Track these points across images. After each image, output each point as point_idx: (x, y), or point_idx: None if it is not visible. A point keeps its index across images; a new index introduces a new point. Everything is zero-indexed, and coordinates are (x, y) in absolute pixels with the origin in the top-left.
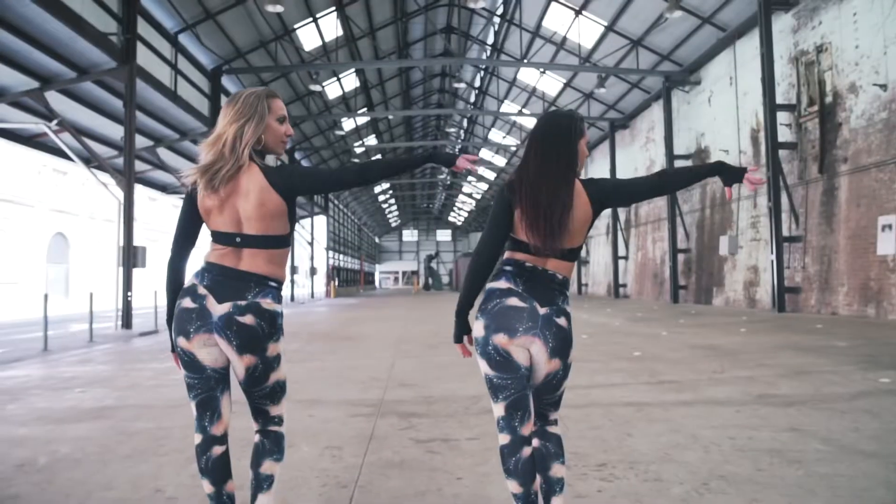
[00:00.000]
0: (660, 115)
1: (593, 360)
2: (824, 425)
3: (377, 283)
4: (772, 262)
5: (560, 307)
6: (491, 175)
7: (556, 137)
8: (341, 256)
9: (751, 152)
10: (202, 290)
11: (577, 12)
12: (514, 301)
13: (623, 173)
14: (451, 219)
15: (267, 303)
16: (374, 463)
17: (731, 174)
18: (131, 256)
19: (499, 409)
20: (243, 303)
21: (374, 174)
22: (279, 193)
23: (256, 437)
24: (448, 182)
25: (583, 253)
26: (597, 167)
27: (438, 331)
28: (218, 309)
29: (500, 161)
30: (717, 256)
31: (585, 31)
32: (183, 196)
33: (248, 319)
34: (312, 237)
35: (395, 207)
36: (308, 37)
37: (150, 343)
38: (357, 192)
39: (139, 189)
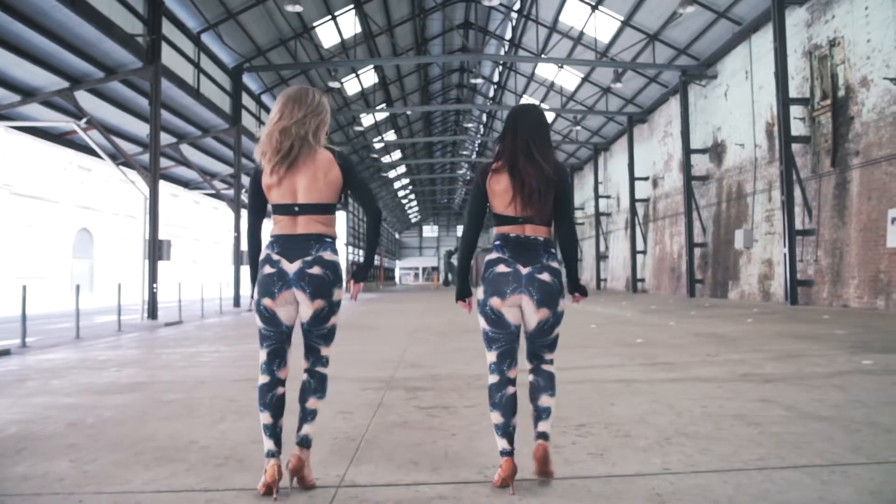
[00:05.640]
0: (677, 109)
1: (595, 346)
2: (792, 397)
3: (397, 279)
4: (785, 255)
5: (544, 264)
6: None
7: (540, 122)
8: (361, 252)
9: (766, 146)
10: (276, 257)
11: (594, 7)
12: (501, 268)
13: (641, 167)
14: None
15: (328, 255)
16: (380, 424)
17: (577, 288)
18: (156, 249)
19: (491, 357)
20: (309, 258)
21: (377, 227)
22: (342, 172)
23: (304, 377)
24: (468, 177)
25: (602, 247)
26: (616, 161)
27: (455, 321)
28: (291, 267)
29: None
30: (733, 250)
31: (602, 26)
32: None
33: (316, 270)
34: None
35: (414, 203)
36: (327, 34)
37: (176, 332)
38: (377, 188)
39: (162, 185)
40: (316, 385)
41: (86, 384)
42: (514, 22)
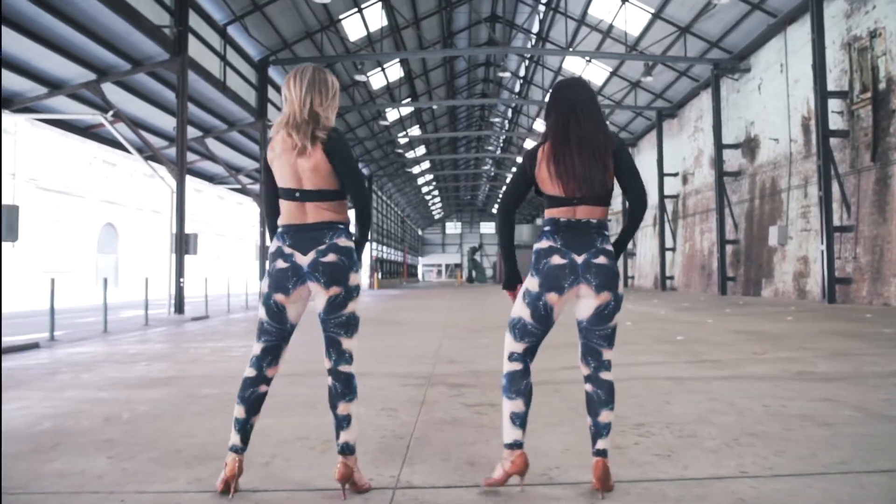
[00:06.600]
0: (708, 103)
1: (636, 342)
2: (858, 397)
3: (420, 276)
4: (822, 252)
5: (599, 248)
6: None
7: (585, 93)
8: (384, 248)
9: (801, 140)
10: (288, 250)
11: (624, 0)
12: (556, 259)
13: (670, 163)
14: (495, 210)
15: (342, 241)
16: (427, 421)
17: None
18: (183, 243)
19: (517, 347)
20: (323, 246)
21: (368, 218)
22: (328, 158)
23: (329, 381)
24: (493, 173)
25: (629, 245)
26: (644, 157)
27: (483, 317)
28: (305, 260)
29: None
30: (767, 247)
31: (632, 19)
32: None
33: (330, 258)
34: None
35: (438, 199)
36: (353, 27)
37: (203, 327)
38: (400, 184)
39: (187, 180)
40: (342, 388)
41: (117, 378)
42: (541, 15)
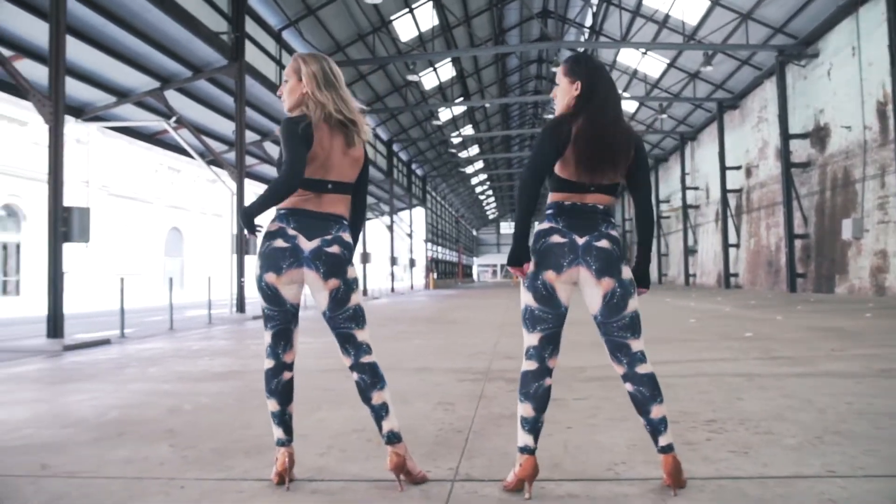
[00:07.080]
0: (773, 92)
1: (700, 339)
2: None
3: (475, 276)
4: None
5: (602, 232)
6: None
7: (612, 79)
8: (439, 248)
9: (877, 127)
10: (292, 232)
11: None
12: (555, 238)
13: (733, 156)
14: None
15: (346, 235)
16: (486, 416)
17: (642, 279)
18: (243, 245)
19: (532, 340)
20: (329, 237)
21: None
22: (365, 157)
23: (354, 376)
24: None
25: (690, 241)
26: (705, 151)
27: None
28: (308, 245)
29: None
30: (840, 241)
31: (689, 7)
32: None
33: (334, 249)
34: (411, 229)
35: (492, 199)
36: (404, 28)
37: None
38: (454, 184)
39: (246, 183)
40: (370, 378)
41: (182, 372)
42: (594, 8)
